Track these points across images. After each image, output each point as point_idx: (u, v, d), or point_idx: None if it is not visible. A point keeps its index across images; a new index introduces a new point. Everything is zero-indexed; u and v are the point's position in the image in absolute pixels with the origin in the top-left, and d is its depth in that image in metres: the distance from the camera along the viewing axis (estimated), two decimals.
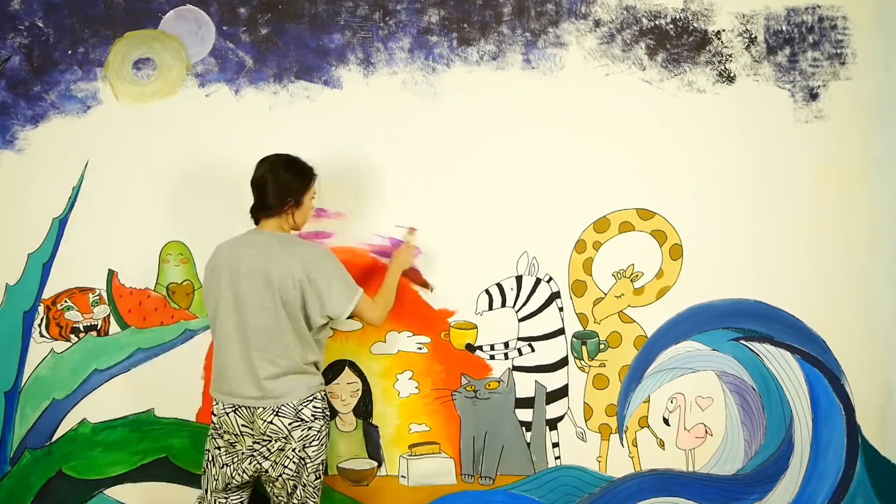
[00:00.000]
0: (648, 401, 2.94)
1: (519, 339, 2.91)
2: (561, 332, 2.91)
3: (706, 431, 2.95)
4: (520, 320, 2.90)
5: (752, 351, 2.93)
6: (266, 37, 2.84)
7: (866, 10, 2.88)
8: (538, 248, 2.89)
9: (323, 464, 2.48)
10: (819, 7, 2.88)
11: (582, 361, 2.92)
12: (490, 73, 2.86)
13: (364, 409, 2.91)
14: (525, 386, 2.91)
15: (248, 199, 2.85)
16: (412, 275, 2.86)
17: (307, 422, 2.41)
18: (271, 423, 2.38)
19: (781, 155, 2.90)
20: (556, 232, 2.89)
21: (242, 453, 2.42)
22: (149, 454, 2.88)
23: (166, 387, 2.87)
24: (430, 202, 2.87)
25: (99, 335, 2.86)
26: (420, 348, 2.89)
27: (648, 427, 2.95)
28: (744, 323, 2.92)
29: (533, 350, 2.91)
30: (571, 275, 2.91)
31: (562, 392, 2.92)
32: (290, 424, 2.39)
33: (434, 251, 2.86)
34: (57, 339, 2.86)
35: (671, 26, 2.88)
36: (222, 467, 2.44)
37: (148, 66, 2.84)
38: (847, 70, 2.89)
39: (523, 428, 2.92)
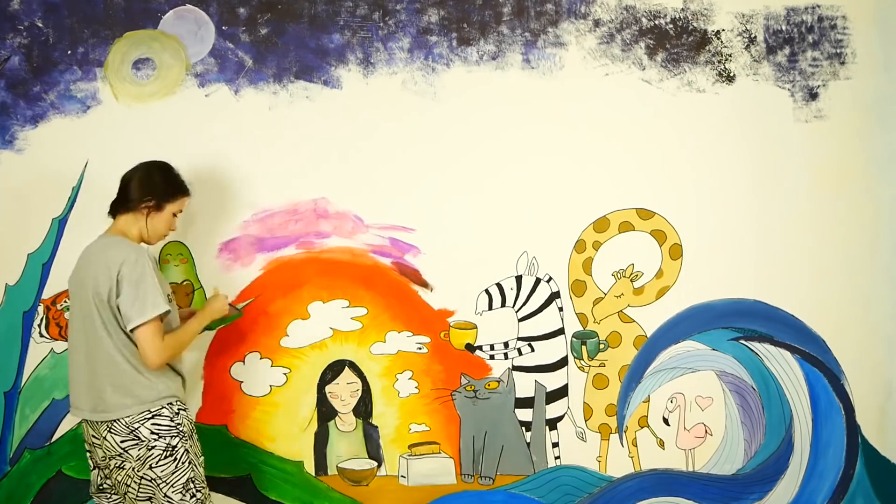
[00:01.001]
0: (648, 401, 2.94)
1: (519, 338, 2.91)
2: (561, 331, 2.91)
3: (706, 431, 2.95)
4: (520, 320, 2.90)
5: (752, 351, 2.93)
6: (266, 37, 2.84)
7: (866, 10, 2.88)
8: (538, 248, 2.89)
9: (193, 481, 2.34)
10: (819, 7, 2.88)
11: (582, 361, 2.92)
12: (490, 73, 2.86)
13: (364, 409, 2.91)
14: (525, 386, 2.91)
15: (249, 199, 2.86)
16: (412, 275, 2.86)
17: (144, 441, 2.28)
18: (105, 438, 2.31)
19: (781, 155, 2.90)
20: (556, 232, 2.89)
21: (98, 463, 2.40)
22: None
23: None
24: (429, 202, 2.87)
25: None
26: (420, 348, 2.89)
27: (648, 427, 2.95)
28: (743, 323, 2.92)
29: (533, 350, 2.91)
30: (571, 275, 2.91)
31: (562, 392, 2.92)
32: (122, 442, 2.28)
33: (434, 251, 2.86)
34: (57, 339, 2.86)
35: (671, 26, 2.88)
36: (93, 468, 2.43)
37: (147, 66, 2.84)
38: (847, 70, 2.89)
39: (523, 428, 2.92)
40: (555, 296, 2.91)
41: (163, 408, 2.33)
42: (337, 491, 2.89)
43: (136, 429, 2.29)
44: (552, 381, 2.91)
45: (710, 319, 2.92)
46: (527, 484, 2.92)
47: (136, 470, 2.29)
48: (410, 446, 2.91)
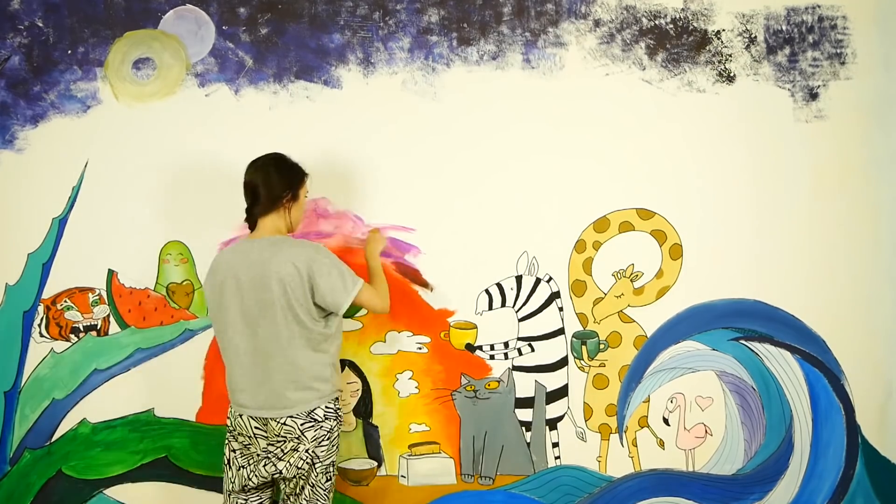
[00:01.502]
0: (648, 401, 2.94)
1: (519, 338, 2.91)
2: (561, 331, 2.91)
3: (706, 431, 2.95)
4: (520, 320, 2.90)
5: (752, 351, 2.93)
6: (266, 37, 2.84)
7: (866, 10, 2.88)
8: (538, 248, 2.89)
9: (333, 465, 2.48)
10: (819, 7, 2.88)
11: (582, 361, 2.92)
12: (490, 73, 2.86)
13: (364, 408, 2.91)
14: (525, 386, 2.91)
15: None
16: (412, 274, 2.86)
17: (319, 421, 2.41)
18: (284, 424, 2.38)
19: (781, 155, 2.90)
20: (556, 232, 2.89)
21: (258, 455, 2.42)
22: (149, 454, 2.88)
23: (166, 387, 2.87)
24: (430, 202, 2.87)
25: (99, 335, 2.86)
26: (420, 348, 2.89)
27: (648, 427, 2.95)
28: (744, 323, 2.92)
29: (533, 350, 2.91)
30: (571, 275, 2.91)
31: (562, 392, 2.92)
32: (302, 425, 2.39)
33: (434, 251, 2.86)
34: (57, 339, 2.86)
35: (671, 26, 2.88)
36: (238, 469, 2.44)
37: (148, 65, 2.84)
38: (847, 70, 2.89)
39: (523, 428, 2.92)
40: (555, 296, 2.91)
41: (332, 395, 2.47)
42: (337, 491, 2.89)
43: (313, 410, 2.41)
44: (552, 381, 2.91)
45: (710, 319, 2.92)
46: (527, 484, 2.92)
47: (308, 451, 2.40)
48: (410, 446, 2.91)
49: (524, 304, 2.90)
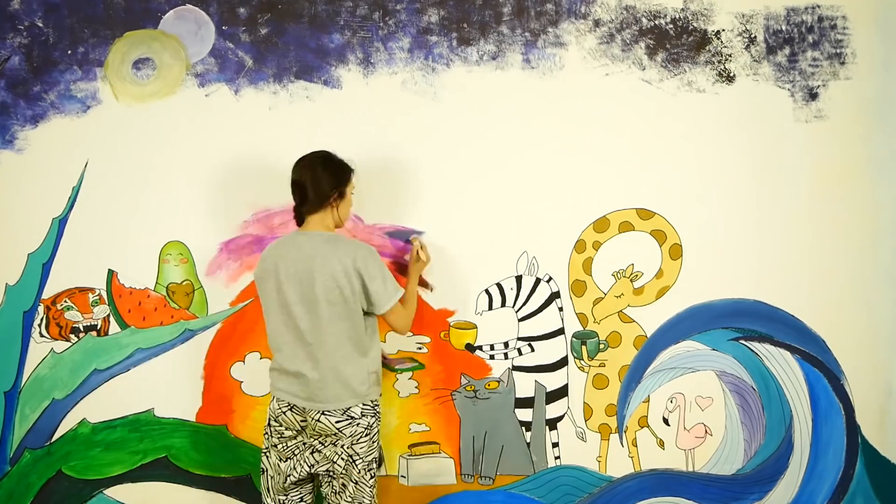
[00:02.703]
0: (648, 401, 2.94)
1: (519, 338, 2.91)
2: (561, 331, 2.91)
3: (706, 431, 2.95)
4: (519, 320, 2.90)
5: (752, 351, 2.93)
6: (266, 37, 2.84)
7: (866, 10, 2.88)
8: (538, 248, 2.89)
9: (375, 461, 2.51)
10: (819, 7, 2.88)
11: (582, 361, 2.92)
12: (490, 73, 2.86)
13: None
14: (525, 386, 2.91)
15: (249, 199, 2.86)
16: None
17: (356, 418, 2.43)
18: (319, 421, 2.42)
19: (781, 155, 2.90)
20: (556, 232, 2.89)
21: (304, 444, 2.45)
22: (148, 454, 2.88)
23: (166, 387, 2.87)
24: (429, 202, 2.87)
25: (99, 335, 2.86)
26: (420, 348, 2.89)
27: (648, 427, 2.95)
28: (744, 323, 2.92)
29: (533, 350, 2.91)
30: (571, 275, 2.91)
31: (561, 392, 2.92)
32: (337, 423, 2.42)
33: (434, 251, 2.86)
34: (57, 339, 2.86)
35: (671, 26, 2.88)
36: (281, 462, 2.47)
37: (148, 65, 2.84)
38: (847, 70, 2.89)
39: (523, 428, 2.92)
40: (555, 296, 2.91)
41: (370, 393, 2.49)
42: None
43: (349, 408, 2.43)
44: (552, 381, 2.91)
45: (710, 319, 2.92)
46: (527, 484, 2.92)
47: (345, 447, 2.43)
48: (410, 446, 2.91)
49: (524, 304, 2.90)
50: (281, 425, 2.46)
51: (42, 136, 2.83)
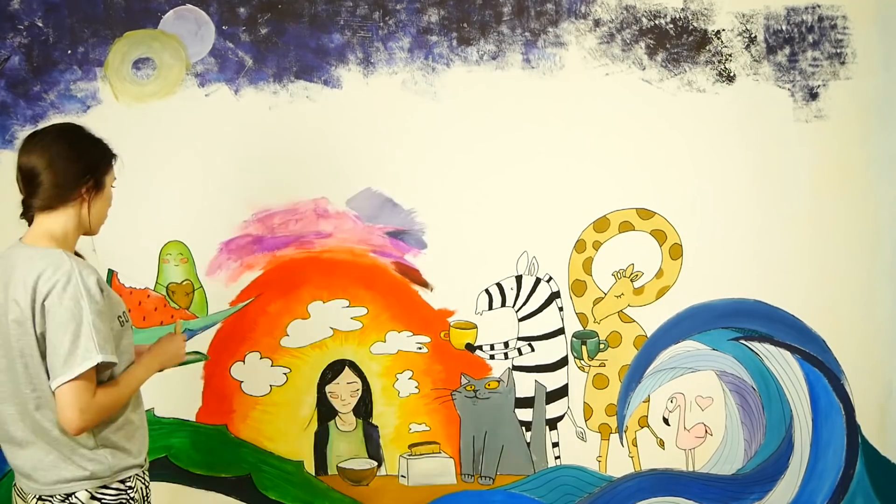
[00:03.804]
0: (648, 400, 2.94)
1: (519, 338, 2.91)
2: (561, 331, 2.91)
3: (706, 431, 2.95)
4: (520, 320, 2.90)
5: (752, 351, 2.93)
6: (266, 36, 2.84)
7: (866, 10, 2.88)
8: (538, 248, 2.89)
9: None
10: (819, 7, 2.88)
11: (582, 361, 2.92)
12: (490, 73, 2.86)
13: (364, 408, 2.91)
14: (525, 386, 2.91)
15: (248, 199, 2.86)
16: (412, 274, 2.86)
17: None
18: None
19: (781, 154, 2.89)
20: (556, 232, 2.89)
21: None
22: (149, 454, 2.87)
23: (166, 387, 2.85)
24: (429, 202, 2.87)
25: None
26: (420, 348, 2.89)
27: (648, 427, 2.95)
28: (744, 323, 2.92)
29: (533, 350, 2.91)
30: (571, 274, 2.91)
31: (562, 392, 2.92)
32: None
33: (434, 251, 2.86)
34: None
35: (671, 26, 2.88)
36: None
37: (147, 65, 2.84)
38: (847, 70, 2.89)
39: (523, 428, 2.92)
40: (555, 296, 2.91)
41: (113, 478, 1.83)
42: (337, 491, 2.89)
43: (73, 493, 1.78)
44: (552, 380, 2.91)
45: (710, 319, 2.92)
46: (527, 484, 2.92)
47: None
48: (410, 446, 2.91)
49: (524, 303, 2.90)
50: None
51: None
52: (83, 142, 1.85)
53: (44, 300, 1.69)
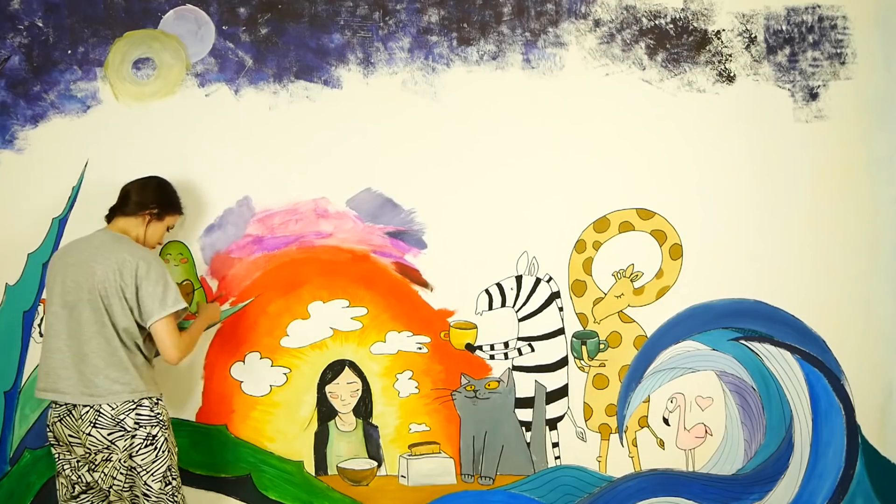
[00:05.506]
0: (648, 401, 2.94)
1: (519, 338, 2.91)
2: (561, 331, 2.91)
3: (706, 431, 2.95)
4: (520, 320, 2.90)
5: (752, 351, 2.93)
6: (266, 37, 2.84)
7: (866, 10, 2.88)
8: (538, 248, 2.89)
9: (171, 469, 2.44)
10: (819, 7, 2.88)
11: (582, 361, 2.92)
12: (490, 73, 2.86)
13: (364, 408, 2.91)
14: (525, 386, 2.91)
15: (248, 199, 2.86)
16: (412, 275, 2.86)
17: (128, 430, 2.37)
18: (90, 434, 2.36)
19: (781, 155, 2.89)
20: (556, 232, 2.89)
21: (78, 461, 2.41)
22: None
23: (166, 387, 2.86)
24: (429, 201, 2.87)
25: None
26: (420, 348, 2.89)
27: (648, 427, 2.95)
28: (744, 323, 2.92)
29: (533, 350, 2.91)
30: (571, 275, 2.91)
31: (562, 392, 2.92)
32: (108, 435, 2.36)
33: (434, 251, 2.86)
34: None
35: (671, 26, 2.88)
36: (63, 475, 2.44)
37: (148, 65, 2.84)
38: (847, 70, 2.89)
39: (523, 428, 2.92)
40: (555, 296, 2.91)
41: (144, 398, 2.42)
42: (337, 491, 2.89)
43: (121, 420, 2.37)
44: (552, 381, 2.91)
45: (710, 319, 2.92)
46: (527, 484, 2.92)
47: (122, 461, 2.38)
48: (410, 446, 2.91)
49: (524, 304, 2.90)
50: (54, 436, 2.43)
51: (42, 136, 2.83)
52: (166, 187, 2.61)
53: (136, 267, 2.38)
